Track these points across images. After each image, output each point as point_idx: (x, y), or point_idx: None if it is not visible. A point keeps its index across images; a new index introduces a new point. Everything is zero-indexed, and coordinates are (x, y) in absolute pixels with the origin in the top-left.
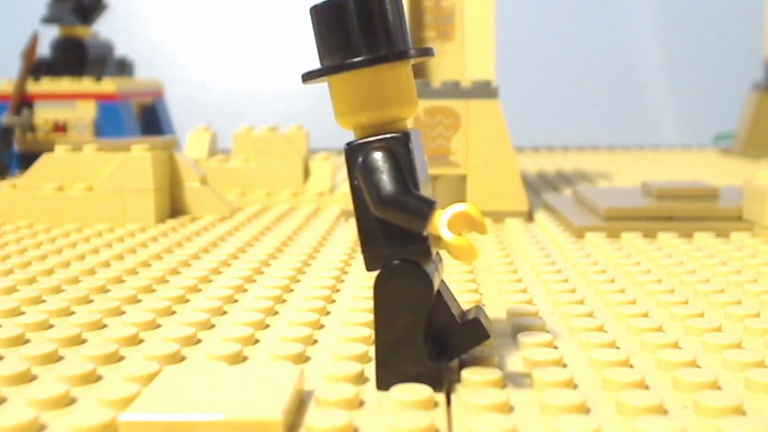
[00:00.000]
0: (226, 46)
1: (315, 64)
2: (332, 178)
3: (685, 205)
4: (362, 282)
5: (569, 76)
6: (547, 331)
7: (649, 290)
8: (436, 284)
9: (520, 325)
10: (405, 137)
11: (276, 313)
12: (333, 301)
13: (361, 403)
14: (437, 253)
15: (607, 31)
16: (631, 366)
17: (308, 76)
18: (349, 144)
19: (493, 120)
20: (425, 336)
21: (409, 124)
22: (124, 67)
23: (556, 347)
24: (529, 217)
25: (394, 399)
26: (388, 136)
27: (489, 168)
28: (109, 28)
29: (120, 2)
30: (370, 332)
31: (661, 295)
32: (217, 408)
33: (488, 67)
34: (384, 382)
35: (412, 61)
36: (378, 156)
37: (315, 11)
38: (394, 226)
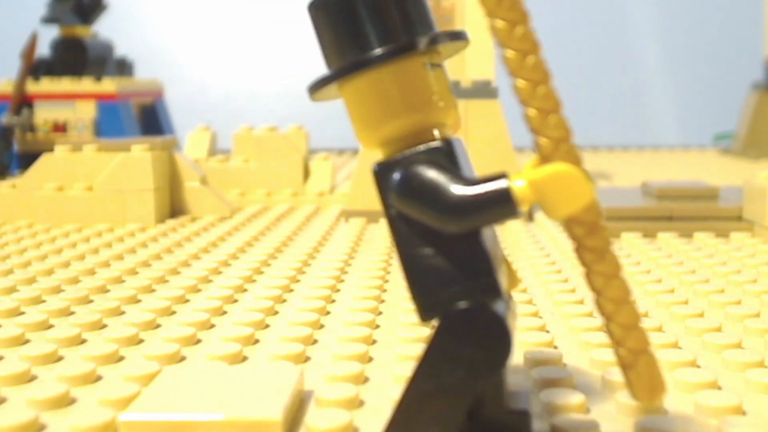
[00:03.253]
0: (226, 46)
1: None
2: (332, 178)
3: (685, 205)
4: (362, 282)
5: (569, 76)
6: (547, 331)
7: (649, 290)
8: (514, 334)
9: (519, 326)
10: (448, 146)
11: (276, 313)
12: (333, 301)
13: (361, 403)
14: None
15: (607, 31)
16: None
17: (314, 88)
18: (379, 164)
19: (493, 120)
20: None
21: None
22: (123, 67)
23: (556, 347)
24: (529, 217)
25: (395, 398)
26: (426, 147)
27: (489, 168)
28: (109, 28)
29: (120, 2)
30: (370, 332)
31: (661, 295)
32: (217, 408)
33: (488, 67)
34: None
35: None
36: (420, 170)
37: (313, 6)
38: (447, 259)
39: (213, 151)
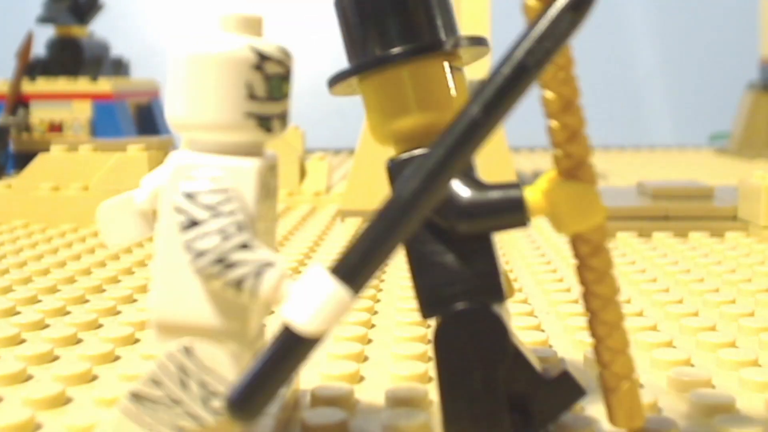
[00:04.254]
0: None
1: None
2: (328, 178)
3: (680, 204)
4: None
5: None
6: (543, 330)
7: (644, 289)
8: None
9: (515, 324)
10: None
11: (272, 312)
12: None
13: (356, 402)
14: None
15: (603, 31)
16: None
17: (333, 81)
18: (392, 161)
19: None
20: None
21: None
22: (120, 67)
23: (551, 346)
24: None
25: (390, 397)
26: None
27: (484, 168)
28: (105, 28)
29: (116, 2)
30: (365, 331)
31: (656, 295)
32: None
33: (484, 67)
34: None
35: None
36: None
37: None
38: (454, 257)
39: None
